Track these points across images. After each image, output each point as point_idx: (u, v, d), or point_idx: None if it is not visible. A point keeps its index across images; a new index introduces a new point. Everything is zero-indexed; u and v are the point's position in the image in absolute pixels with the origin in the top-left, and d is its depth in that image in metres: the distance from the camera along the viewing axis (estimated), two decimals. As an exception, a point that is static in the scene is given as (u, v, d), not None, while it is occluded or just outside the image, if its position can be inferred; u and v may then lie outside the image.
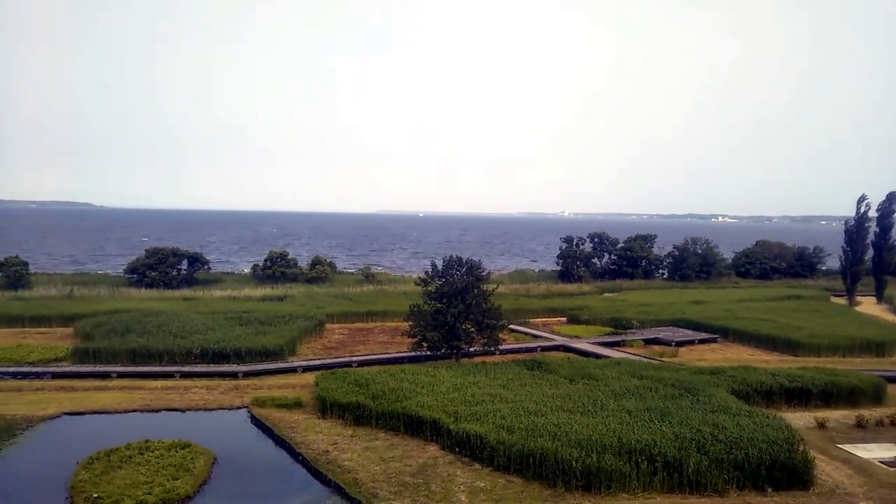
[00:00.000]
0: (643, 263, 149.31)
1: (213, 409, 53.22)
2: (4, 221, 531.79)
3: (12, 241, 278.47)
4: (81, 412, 51.97)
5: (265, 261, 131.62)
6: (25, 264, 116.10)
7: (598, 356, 70.74)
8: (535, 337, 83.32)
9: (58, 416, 50.78)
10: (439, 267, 68.46)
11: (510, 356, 70.22)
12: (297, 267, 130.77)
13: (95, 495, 35.31)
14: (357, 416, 48.46)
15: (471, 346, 66.40)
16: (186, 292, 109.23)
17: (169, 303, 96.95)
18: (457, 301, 64.59)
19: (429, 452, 42.79)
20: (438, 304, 65.70)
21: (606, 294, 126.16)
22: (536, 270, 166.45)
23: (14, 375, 61.21)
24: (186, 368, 63.04)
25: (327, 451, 43.08)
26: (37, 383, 59.23)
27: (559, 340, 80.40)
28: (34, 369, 62.58)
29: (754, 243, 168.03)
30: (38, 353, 68.42)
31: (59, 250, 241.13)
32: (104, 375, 61.52)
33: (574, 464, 37.15)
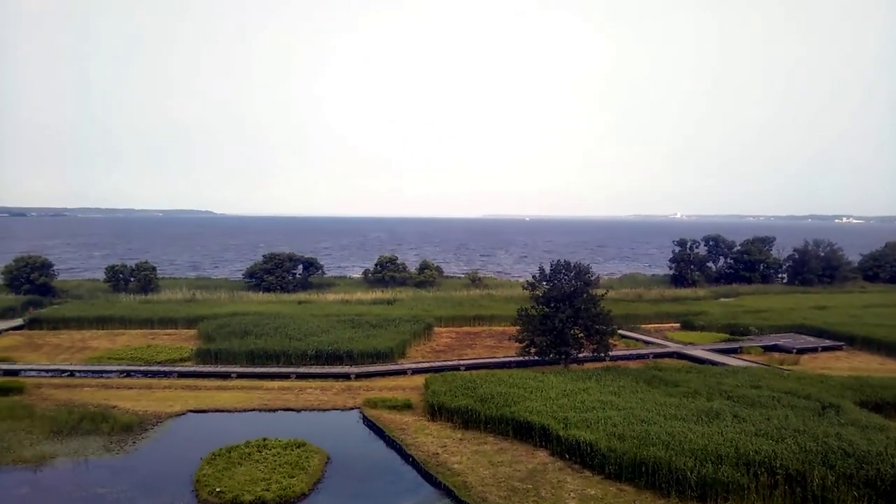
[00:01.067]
0: (761, 267, 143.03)
1: (327, 410, 54.74)
2: (135, 229, 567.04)
3: (141, 247, 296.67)
4: (204, 410, 54.63)
5: (375, 265, 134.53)
6: (154, 269, 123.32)
7: (714, 363, 68.27)
8: (647, 343, 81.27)
9: (183, 414, 53.57)
10: (547, 271, 67.90)
11: (621, 362, 68.78)
12: (405, 271, 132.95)
13: (218, 489, 36.99)
14: (466, 419, 48.69)
15: (580, 352, 65.47)
16: (301, 296, 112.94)
17: (285, 306, 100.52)
18: (565, 306, 63.86)
19: (538, 458, 42.46)
20: (546, 309, 65.17)
21: (722, 299, 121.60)
22: (648, 275, 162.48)
23: (145, 374, 65.14)
24: (301, 370, 65.18)
25: (437, 454, 43.48)
26: (165, 382, 62.74)
27: (672, 347, 78.09)
28: (162, 368, 66.35)
29: (884, 245, 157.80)
30: (166, 353, 72.53)
31: (182, 256, 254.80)
32: (225, 375, 64.46)
33: (689, 473, 35.97)
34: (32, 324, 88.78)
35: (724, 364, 67.55)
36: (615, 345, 71.39)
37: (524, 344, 65.47)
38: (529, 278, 70.94)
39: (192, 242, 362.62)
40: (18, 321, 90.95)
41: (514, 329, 70.59)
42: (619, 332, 78.28)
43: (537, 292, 67.30)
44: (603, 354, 65.75)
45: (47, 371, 65.99)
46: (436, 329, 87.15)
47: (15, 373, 64.93)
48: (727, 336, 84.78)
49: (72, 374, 65.17)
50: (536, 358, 65.78)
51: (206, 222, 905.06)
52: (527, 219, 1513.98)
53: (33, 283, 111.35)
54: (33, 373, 65.55)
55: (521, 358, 66.87)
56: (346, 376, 63.86)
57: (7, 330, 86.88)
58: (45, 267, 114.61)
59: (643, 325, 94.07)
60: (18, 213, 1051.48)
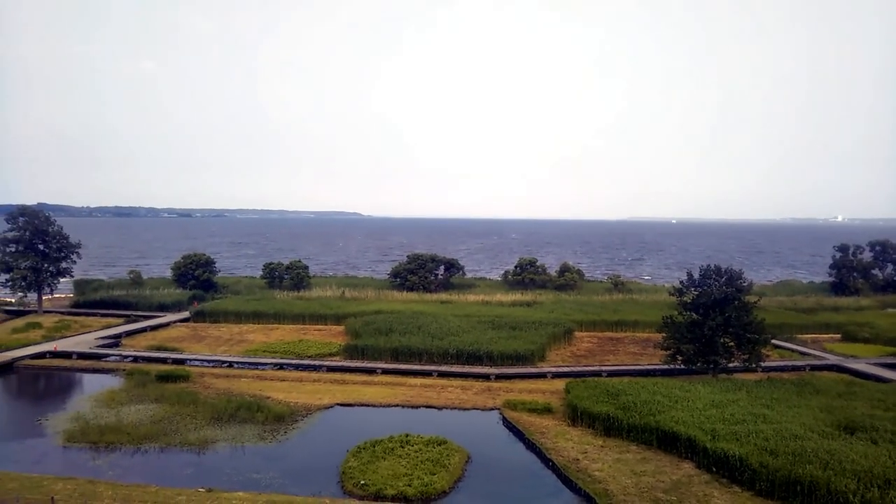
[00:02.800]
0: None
1: (467, 409, 55.36)
2: (288, 229, 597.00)
3: (293, 246, 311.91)
4: (351, 404, 56.75)
5: (515, 267, 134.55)
6: (306, 268, 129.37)
7: (880, 379, 63.22)
8: (803, 354, 76.42)
9: (331, 407, 55.89)
10: (695, 276, 65.39)
11: (774, 374, 65.05)
12: (545, 274, 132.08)
13: (362, 482, 38.27)
14: (607, 426, 47.75)
15: (730, 362, 62.50)
16: (443, 296, 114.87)
17: (427, 305, 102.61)
18: (715, 313, 61.18)
19: (683, 470, 40.95)
20: (694, 316, 62.75)
21: (889, 309, 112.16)
22: (804, 282, 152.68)
23: (296, 367, 68.52)
24: (443, 368, 66.31)
25: (577, 460, 42.92)
26: (314, 375, 65.72)
27: (832, 359, 72.99)
28: (312, 362, 69.53)
29: None
30: (316, 347, 75.96)
31: (331, 255, 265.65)
32: (370, 371, 66.64)
33: (851, 497, 33.46)
34: (197, 317, 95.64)
35: (891, 380, 62.40)
36: (768, 355, 67.67)
37: (670, 352, 63.37)
38: (676, 284, 68.60)
39: (340, 242, 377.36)
40: (185, 314, 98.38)
41: (658, 336, 68.53)
42: (773, 341, 74.12)
43: (685, 298, 64.94)
44: (754, 365, 62.44)
45: (209, 361, 70.84)
46: (576, 333, 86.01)
47: (182, 362, 70.23)
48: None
49: (231, 364, 69.63)
50: (682, 367, 63.49)
51: (354, 223, 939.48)
52: (673, 221, 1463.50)
53: (198, 279, 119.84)
54: (197, 362, 70.61)
55: (666, 366, 64.78)
56: (486, 377, 64.32)
57: (175, 322, 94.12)
58: (207, 264, 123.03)
59: (799, 336, 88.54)
60: (185, 214, 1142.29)
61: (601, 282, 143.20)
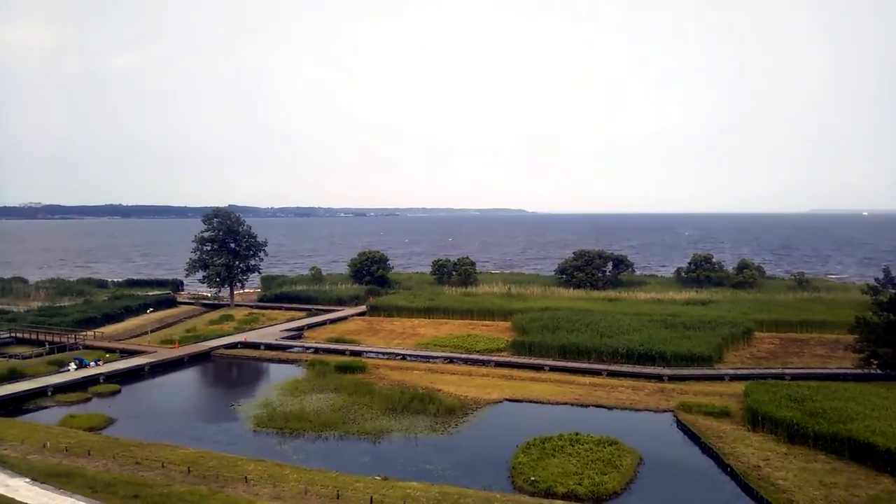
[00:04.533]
0: None
1: (639, 410, 53.96)
2: (452, 226, 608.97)
3: (459, 243, 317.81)
4: (519, 399, 57.02)
5: (689, 264, 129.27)
6: (473, 264, 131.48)
7: None
8: None
9: (500, 402, 56.44)
10: (893, 273, 59.86)
11: None
12: (722, 271, 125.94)
13: (532, 478, 38.34)
14: (791, 432, 44.74)
15: (935, 368, 56.65)
16: (611, 293, 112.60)
17: (595, 303, 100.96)
18: (917, 314, 55.69)
19: (881, 485, 37.58)
20: (892, 317, 57.42)
21: None
22: None
23: (465, 361, 69.85)
24: (613, 367, 65.02)
25: (759, 467, 40.58)
26: (483, 370, 66.64)
27: None
28: (481, 357, 70.56)
29: None
30: (484, 343, 76.97)
31: (496, 251, 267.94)
32: (538, 368, 66.60)
33: None
34: (372, 311, 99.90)
35: None
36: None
37: (863, 355, 58.42)
38: (870, 282, 63.10)
39: (506, 239, 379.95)
40: (362, 308, 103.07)
41: (849, 338, 63.30)
42: None
43: (881, 297, 59.60)
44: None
45: (384, 353, 73.78)
46: (756, 334, 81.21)
47: (359, 353, 73.67)
48: None
49: (404, 357, 72.14)
50: (879, 371, 58.32)
51: (519, 220, 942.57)
52: (865, 213, 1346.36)
53: (373, 274, 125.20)
54: (373, 354, 73.76)
55: (859, 370, 59.75)
56: (659, 377, 62.34)
57: (352, 315, 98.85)
58: (381, 261, 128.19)
59: None
60: (360, 214, 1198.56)
61: (783, 279, 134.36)
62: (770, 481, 38.27)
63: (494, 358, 70.05)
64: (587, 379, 62.93)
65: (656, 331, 75.48)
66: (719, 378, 62.19)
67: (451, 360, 70.48)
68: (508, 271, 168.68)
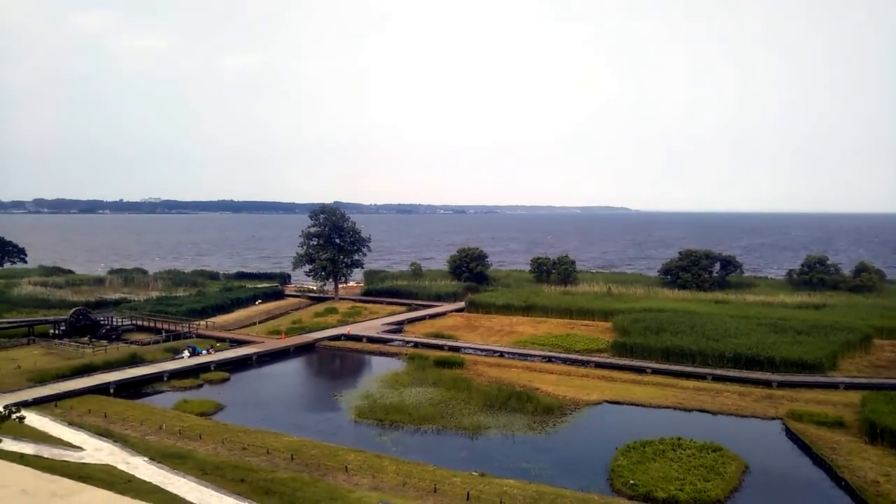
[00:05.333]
0: None
1: (745, 416, 52.01)
2: (553, 224, 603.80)
3: (559, 241, 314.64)
4: (619, 402, 56.00)
5: (801, 266, 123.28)
6: (573, 263, 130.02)
7: None
8: None
9: (599, 403, 55.60)
10: None
11: None
12: (837, 273, 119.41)
13: (632, 482, 37.60)
14: (915, 448, 42.08)
15: None
16: (718, 295, 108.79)
17: (700, 304, 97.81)
18: None
19: None
20: None
21: None
22: None
23: (564, 361, 69.19)
24: (718, 372, 62.89)
25: (877, 482, 38.30)
26: (582, 370, 65.82)
27: None
28: (580, 357, 69.72)
29: None
30: (583, 342, 75.99)
31: (597, 250, 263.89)
32: (639, 370, 65.18)
33: None
34: (470, 307, 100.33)
35: None
36: None
37: None
38: None
39: (607, 237, 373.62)
40: (460, 304, 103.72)
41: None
42: None
43: None
44: None
45: (482, 350, 74.03)
46: (875, 341, 76.61)
47: (457, 349, 74.20)
48: None
49: (502, 354, 72.15)
50: None
51: (622, 218, 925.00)
52: None
53: (471, 271, 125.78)
54: (471, 350, 74.14)
55: None
56: (767, 383, 59.83)
57: (451, 311, 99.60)
58: (480, 258, 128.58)
59: None
60: (459, 211, 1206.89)
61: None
62: (890, 499, 36.06)
63: (594, 358, 69.04)
64: (691, 383, 61.11)
65: (765, 335, 72.43)
66: (833, 386, 59.09)
67: (549, 360, 69.98)
68: (609, 270, 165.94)
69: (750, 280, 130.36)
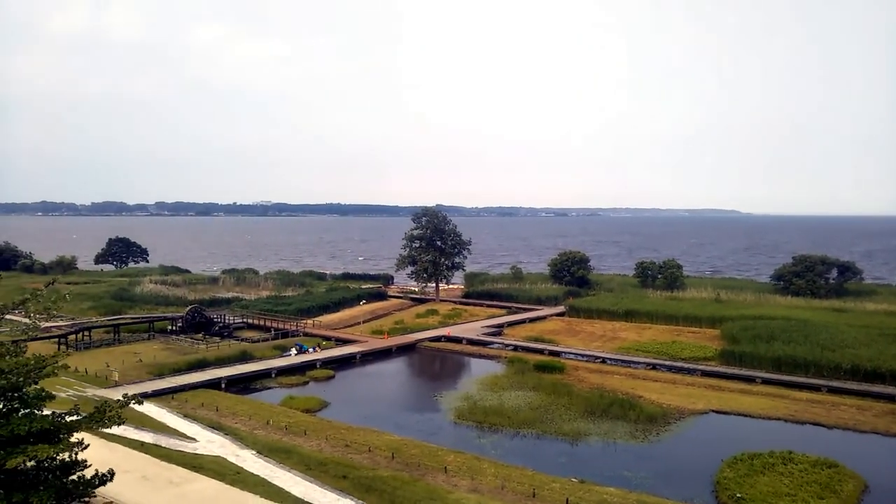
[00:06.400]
0: None
1: (864, 432, 49.18)
2: (658, 227, 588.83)
3: (664, 244, 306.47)
4: (726, 412, 54.06)
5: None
6: (679, 267, 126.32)
7: None
8: None
9: (705, 413, 53.84)
10: None
11: None
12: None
13: (739, 495, 36.22)
14: None
15: None
16: (835, 303, 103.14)
17: (815, 312, 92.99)
18: None
19: None
20: None
21: None
22: None
23: (669, 369, 67.37)
24: (834, 383, 59.64)
25: None
26: (688, 378, 63.88)
27: None
28: (686, 365, 67.71)
29: None
30: (689, 350, 73.75)
31: (704, 254, 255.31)
32: (749, 379, 62.68)
33: None
34: (571, 311, 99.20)
35: None
36: None
37: None
38: None
39: (716, 241, 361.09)
40: (561, 308, 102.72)
41: None
42: None
43: None
44: None
45: (583, 355, 73.06)
46: None
47: (557, 354, 73.53)
48: None
49: (603, 360, 70.98)
50: None
51: (731, 222, 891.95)
52: None
53: (572, 275, 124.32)
54: (571, 355, 73.28)
55: None
56: (891, 398, 56.26)
57: (551, 315, 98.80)
58: (582, 261, 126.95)
59: None
60: (561, 214, 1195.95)
61: None
62: None
63: (701, 367, 66.86)
64: (804, 394, 58.24)
65: (888, 346, 68.11)
66: (966, 403, 55.04)
67: (653, 367, 68.29)
68: (718, 276, 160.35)
69: (871, 287, 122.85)
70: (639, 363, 69.40)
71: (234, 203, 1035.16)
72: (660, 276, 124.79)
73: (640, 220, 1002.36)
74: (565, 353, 74.31)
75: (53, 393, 25.12)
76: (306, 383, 63.55)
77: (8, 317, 25.94)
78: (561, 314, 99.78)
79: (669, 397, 57.27)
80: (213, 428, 45.95)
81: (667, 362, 69.10)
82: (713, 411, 54.15)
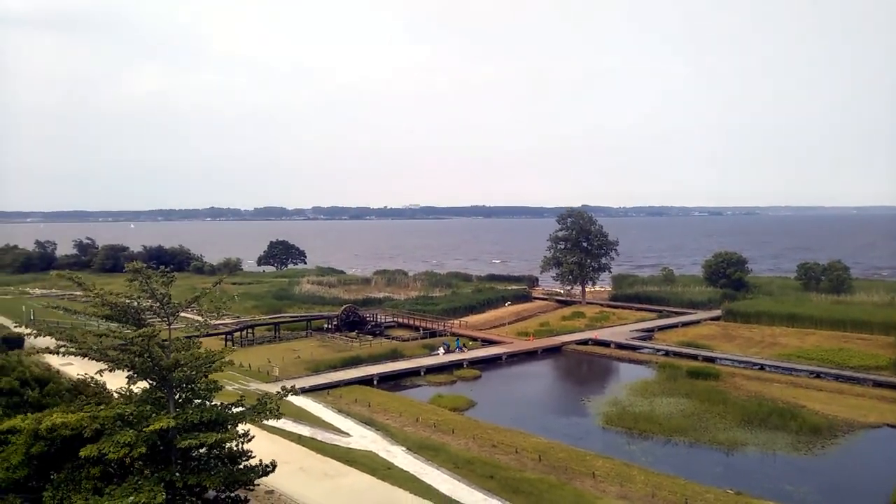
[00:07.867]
0: None
1: None
2: (823, 226, 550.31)
3: (826, 245, 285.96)
4: (904, 426, 49.78)
5: None
6: (847, 269, 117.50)
7: None
8: None
9: (878, 426, 49.81)
10: None
11: None
12: None
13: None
14: None
15: None
16: None
17: None
18: None
19: None
20: None
21: None
22: None
23: (836, 377, 62.80)
24: None
25: None
26: (857, 388, 59.30)
27: None
28: (855, 374, 62.90)
29: None
30: (858, 358, 68.44)
31: (871, 255, 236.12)
32: (926, 392, 57.33)
33: None
34: (727, 316, 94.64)
35: None
36: None
37: None
38: None
39: (889, 240, 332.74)
40: (716, 312, 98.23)
41: None
42: None
43: None
44: None
45: (739, 362, 69.58)
46: None
47: (712, 360, 70.49)
48: None
49: (762, 367, 67.29)
50: None
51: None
52: None
53: (729, 277, 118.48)
54: (727, 362, 70.01)
55: None
56: None
57: (706, 320, 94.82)
58: (739, 263, 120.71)
59: None
60: (716, 213, 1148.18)
61: None
62: None
63: (872, 376, 61.84)
64: None
65: None
66: None
67: (817, 375, 63.91)
68: (893, 279, 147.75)
69: None
70: (801, 371, 65.19)
71: (385, 207, 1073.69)
72: (824, 278, 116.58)
73: (803, 218, 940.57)
74: (720, 359, 71.08)
75: (221, 385, 27.13)
76: (454, 382, 64.60)
77: (182, 314, 28.25)
78: (716, 318, 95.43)
79: (836, 408, 53.40)
80: (365, 423, 47.71)
81: (833, 370, 64.44)
82: (888, 425, 49.95)
